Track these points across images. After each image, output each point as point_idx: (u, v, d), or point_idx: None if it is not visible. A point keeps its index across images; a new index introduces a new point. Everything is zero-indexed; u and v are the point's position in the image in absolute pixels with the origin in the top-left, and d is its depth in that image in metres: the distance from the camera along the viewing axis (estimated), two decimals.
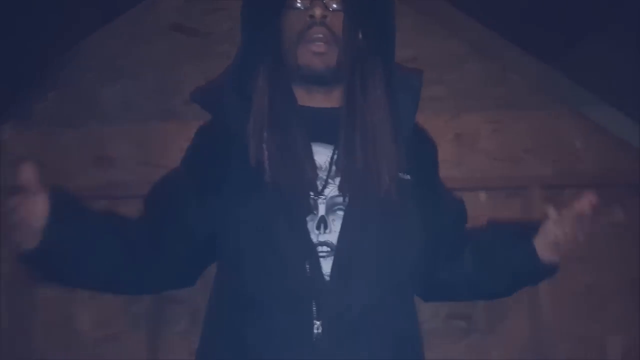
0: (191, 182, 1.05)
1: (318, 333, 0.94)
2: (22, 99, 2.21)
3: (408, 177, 1.04)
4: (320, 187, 1.00)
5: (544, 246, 1.08)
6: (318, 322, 0.95)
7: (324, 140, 1.03)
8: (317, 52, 1.02)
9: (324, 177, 1.01)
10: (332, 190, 1.01)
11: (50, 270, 1.00)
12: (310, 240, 0.97)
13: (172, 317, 2.14)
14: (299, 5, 1.04)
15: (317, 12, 1.01)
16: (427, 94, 2.30)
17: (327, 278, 0.96)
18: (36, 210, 0.92)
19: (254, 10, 1.07)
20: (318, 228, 0.98)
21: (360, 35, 1.06)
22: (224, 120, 1.05)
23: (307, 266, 0.96)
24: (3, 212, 0.96)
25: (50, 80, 2.22)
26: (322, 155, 1.02)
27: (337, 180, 1.01)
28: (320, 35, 1.02)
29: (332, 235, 0.98)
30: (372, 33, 1.07)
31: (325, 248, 0.97)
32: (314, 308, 0.95)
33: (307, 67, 1.03)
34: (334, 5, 1.03)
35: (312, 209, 0.99)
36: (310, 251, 0.97)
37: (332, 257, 0.97)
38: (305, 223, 0.98)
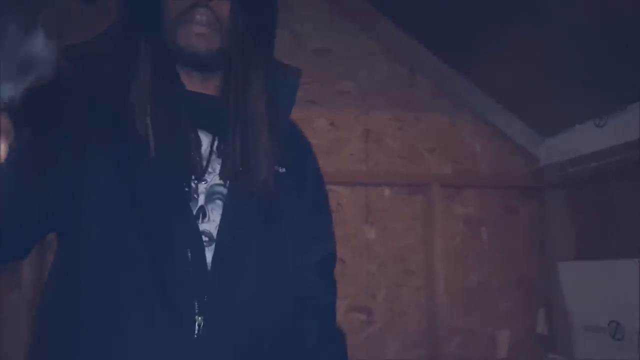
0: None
1: (200, 329, 0.90)
2: None
3: (283, 170, 1.03)
4: (201, 175, 0.97)
5: None
6: (200, 318, 0.90)
7: (203, 127, 0.99)
8: (199, 33, 0.97)
9: (205, 165, 0.98)
10: (212, 179, 0.98)
11: None
12: (196, 226, 0.93)
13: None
14: None
15: None
16: (339, 88, 2.36)
17: (208, 268, 0.92)
18: None
19: None
20: (197, 217, 0.94)
21: (243, 26, 1.03)
22: (103, 83, 0.95)
23: (190, 254, 0.92)
24: None
25: None
26: (203, 143, 0.99)
27: (217, 169, 0.98)
28: (204, 17, 0.97)
29: (210, 224, 0.95)
30: (256, 24, 1.04)
31: (204, 238, 0.94)
32: (196, 303, 0.90)
33: (187, 48, 0.97)
34: None
35: (194, 195, 0.95)
36: (195, 238, 0.92)
37: (212, 248, 0.94)
38: (190, 209, 0.94)
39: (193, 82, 1.01)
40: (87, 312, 0.89)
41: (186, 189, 0.94)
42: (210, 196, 0.97)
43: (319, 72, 2.30)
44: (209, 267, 0.92)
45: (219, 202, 0.97)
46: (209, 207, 0.96)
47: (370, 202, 2.35)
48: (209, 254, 0.92)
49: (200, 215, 0.95)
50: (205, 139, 0.99)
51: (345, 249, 2.23)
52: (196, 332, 0.89)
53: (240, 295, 0.94)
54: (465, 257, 2.37)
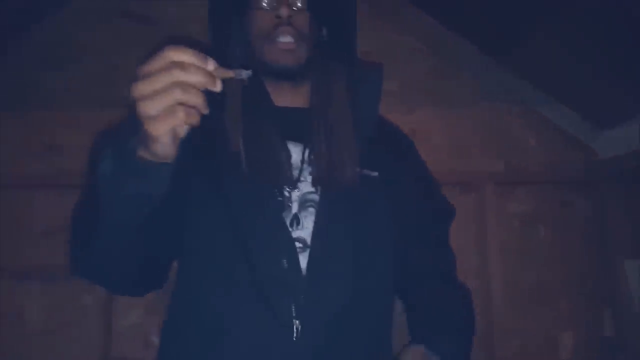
0: None
1: (298, 332, 0.94)
2: None
3: (376, 174, 1.06)
4: (294, 184, 1.01)
5: None
6: (297, 322, 0.95)
7: (293, 139, 1.05)
8: (286, 49, 1.04)
9: (297, 174, 1.02)
10: (304, 187, 1.02)
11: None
12: (289, 234, 0.98)
13: (124, 308, 2.11)
14: (264, 5, 1.05)
15: (284, 12, 1.03)
16: (382, 89, 2.35)
17: (303, 273, 0.96)
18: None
19: (219, 10, 1.10)
20: (291, 225, 0.99)
21: (325, 33, 1.08)
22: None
23: (285, 261, 0.96)
24: None
25: None
26: (293, 153, 1.04)
27: (309, 178, 1.02)
28: (288, 34, 1.03)
29: (304, 231, 0.99)
30: (336, 31, 1.09)
31: (298, 244, 0.98)
32: (293, 307, 0.95)
33: (276, 64, 1.05)
34: (299, 4, 1.06)
35: (287, 204, 1.00)
36: (289, 246, 0.97)
37: (306, 254, 0.98)
38: (283, 218, 0.98)
39: (283, 94, 1.08)
40: (197, 320, 0.97)
41: (279, 199, 0.99)
42: (303, 204, 1.02)
43: None
44: (303, 273, 0.96)
45: (312, 210, 1.01)
46: (302, 215, 1.01)
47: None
48: (303, 260, 0.98)
49: (294, 223, 1.00)
50: (295, 150, 1.05)
51: None
52: (295, 335, 0.93)
53: (335, 298, 0.98)
54: (522, 256, 2.28)
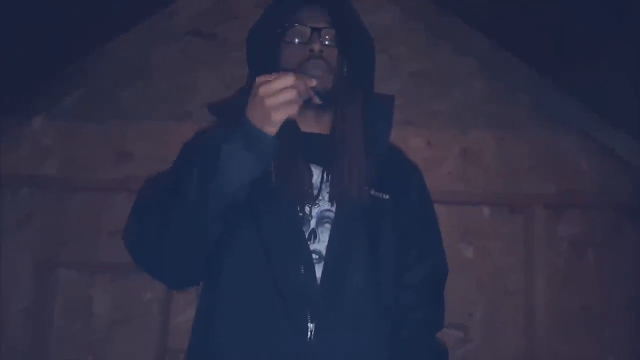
0: None
1: (312, 335, 1.05)
2: (50, 94, 2.35)
3: (387, 196, 1.16)
4: (314, 201, 1.13)
5: None
6: (312, 325, 1.06)
7: (314, 161, 1.17)
8: (315, 75, 1.13)
9: (316, 193, 1.14)
10: (322, 204, 1.14)
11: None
12: (307, 246, 1.10)
13: (181, 305, 2.25)
14: (297, 40, 1.17)
15: (317, 47, 1.15)
16: (435, 108, 2.40)
17: (318, 282, 1.08)
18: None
19: (256, 44, 1.24)
20: (309, 238, 1.11)
21: (348, 69, 1.19)
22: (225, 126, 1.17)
23: (302, 270, 1.08)
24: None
25: (76, 78, 2.35)
26: (314, 174, 1.16)
27: (326, 196, 1.14)
28: (318, 67, 1.15)
29: (320, 244, 1.11)
30: (358, 67, 1.19)
31: (315, 256, 1.10)
32: (308, 312, 1.06)
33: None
34: (328, 41, 1.17)
35: (307, 219, 1.12)
36: (306, 256, 1.09)
37: (321, 264, 1.10)
38: (303, 231, 1.11)
39: (307, 121, 1.20)
40: (223, 319, 1.09)
41: (300, 214, 1.12)
42: (321, 220, 1.13)
43: (414, 94, 2.35)
44: (318, 282, 1.08)
45: (328, 225, 1.13)
46: (319, 230, 1.13)
47: (468, 221, 2.35)
48: (318, 270, 1.09)
49: (312, 236, 1.12)
50: (316, 171, 1.16)
51: None
52: (308, 337, 1.05)
53: (347, 305, 1.09)
54: (569, 280, 2.29)
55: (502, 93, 2.37)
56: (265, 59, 1.20)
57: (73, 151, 2.35)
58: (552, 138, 2.34)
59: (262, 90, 0.98)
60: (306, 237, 1.11)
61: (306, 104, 1.14)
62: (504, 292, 2.31)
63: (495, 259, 2.33)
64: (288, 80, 0.98)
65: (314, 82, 1.02)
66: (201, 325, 1.15)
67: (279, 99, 0.98)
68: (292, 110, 1.00)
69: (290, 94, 0.98)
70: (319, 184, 1.15)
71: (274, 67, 1.18)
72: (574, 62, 2.12)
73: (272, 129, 1.01)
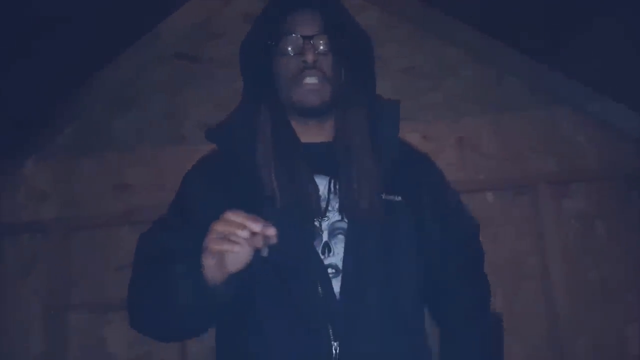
0: (201, 217, 1.07)
1: (336, 354, 1.01)
2: (40, 135, 2.31)
3: (399, 198, 1.12)
4: (323, 214, 1.09)
5: None
6: (335, 343, 1.02)
7: (319, 171, 1.12)
8: (311, 89, 1.11)
9: (324, 205, 1.10)
10: (332, 216, 1.10)
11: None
12: (322, 262, 1.05)
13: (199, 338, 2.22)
14: (290, 50, 1.13)
15: (310, 57, 1.10)
16: (426, 102, 2.40)
17: (337, 297, 1.04)
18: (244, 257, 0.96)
19: (249, 58, 1.18)
20: (323, 252, 1.07)
21: (346, 74, 1.15)
22: (234, 155, 1.15)
23: (319, 288, 1.04)
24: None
25: (65, 114, 2.32)
26: (320, 185, 1.11)
27: (336, 207, 1.10)
28: (314, 77, 1.11)
29: (335, 257, 1.07)
30: (357, 70, 1.16)
31: (330, 270, 1.06)
32: (330, 330, 1.02)
33: (302, 103, 1.12)
34: (321, 48, 1.12)
35: (318, 233, 1.08)
36: (322, 273, 1.05)
37: (339, 278, 1.05)
38: (314, 247, 1.06)
39: (310, 130, 1.16)
40: (247, 342, 1.05)
41: (310, 229, 1.07)
42: (333, 232, 1.08)
43: (406, 90, 2.35)
44: (337, 297, 1.04)
45: (341, 237, 1.08)
46: (332, 242, 1.08)
47: (475, 209, 2.34)
48: (336, 285, 1.05)
49: (326, 250, 1.07)
50: (322, 182, 1.11)
51: None
52: (334, 356, 1.01)
53: (369, 318, 1.04)
54: (583, 254, 2.29)
55: (493, 78, 2.38)
56: (260, 72, 1.15)
57: (70, 189, 2.31)
58: (548, 116, 2.35)
59: (215, 243, 0.93)
60: (320, 251, 1.07)
61: (305, 115, 1.13)
62: (522, 276, 2.31)
63: (508, 243, 2.32)
64: (243, 234, 0.92)
65: (273, 232, 0.93)
66: (224, 352, 1.12)
67: (227, 250, 0.93)
68: (239, 265, 0.95)
69: (240, 249, 0.93)
70: (326, 195, 1.10)
71: (268, 80, 1.15)
72: (562, 39, 2.12)
73: (221, 278, 0.96)
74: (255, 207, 1.03)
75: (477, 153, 2.36)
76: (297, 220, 1.06)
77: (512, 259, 2.31)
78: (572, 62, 2.20)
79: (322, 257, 1.06)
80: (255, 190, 1.08)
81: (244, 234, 0.91)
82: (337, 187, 1.10)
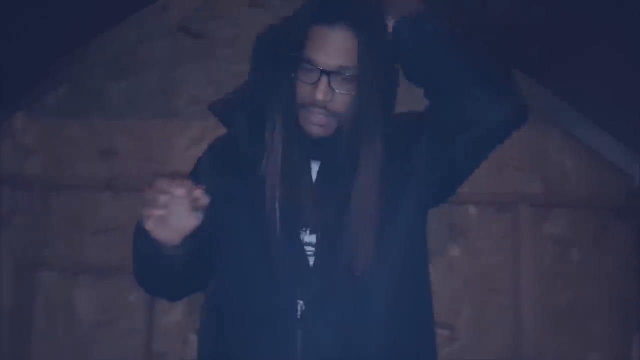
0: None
1: (302, 312, 1.05)
2: (33, 91, 2.30)
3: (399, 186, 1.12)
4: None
5: None
6: (301, 302, 1.05)
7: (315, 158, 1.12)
8: (316, 124, 1.07)
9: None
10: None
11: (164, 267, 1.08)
12: (300, 241, 1.09)
13: (167, 308, 2.23)
14: (307, 80, 1.07)
15: (321, 97, 1.05)
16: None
17: (310, 265, 1.08)
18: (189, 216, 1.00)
19: (265, 58, 1.13)
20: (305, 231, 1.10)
21: (361, 103, 1.09)
22: (237, 138, 1.15)
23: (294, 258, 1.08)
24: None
25: (60, 74, 2.31)
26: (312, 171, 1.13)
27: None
28: (320, 115, 1.07)
29: (313, 237, 1.09)
30: (375, 100, 1.09)
31: (310, 248, 1.09)
32: (298, 290, 1.06)
33: (306, 130, 1.09)
34: (337, 91, 1.06)
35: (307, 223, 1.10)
36: (299, 250, 1.09)
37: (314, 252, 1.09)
38: (299, 234, 1.09)
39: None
40: (226, 312, 1.11)
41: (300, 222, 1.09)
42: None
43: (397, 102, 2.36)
44: (311, 265, 1.07)
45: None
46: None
47: (455, 220, 2.36)
48: (312, 259, 1.08)
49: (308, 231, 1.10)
50: (314, 167, 1.12)
51: None
52: (299, 314, 1.05)
53: (336, 281, 1.07)
54: (555, 278, 2.32)
55: None
56: (280, 74, 1.10)
57: (56, 149, 2.30)
58: (537, 138, 2.36)
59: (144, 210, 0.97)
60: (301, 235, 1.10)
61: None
62: (492, 290, 2.33)
63: (483, 257, 2.34)
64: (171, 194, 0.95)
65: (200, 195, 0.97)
66: (210, 325, 1.16)
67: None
68: (186, 226, 1.00)
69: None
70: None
71: (289, 86, 1.10)
72: (558, 58, 2.13)
73: (178, 240, 1.01)
74: (259, 206, 1.08)
75: None
76: (289, 225, 1.09)
77: (486, 273, 2.33)
78: (566, 84, 2.21)
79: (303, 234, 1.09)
80: (262, 190, 1.09)
81: (164, 199, 0.95)
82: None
